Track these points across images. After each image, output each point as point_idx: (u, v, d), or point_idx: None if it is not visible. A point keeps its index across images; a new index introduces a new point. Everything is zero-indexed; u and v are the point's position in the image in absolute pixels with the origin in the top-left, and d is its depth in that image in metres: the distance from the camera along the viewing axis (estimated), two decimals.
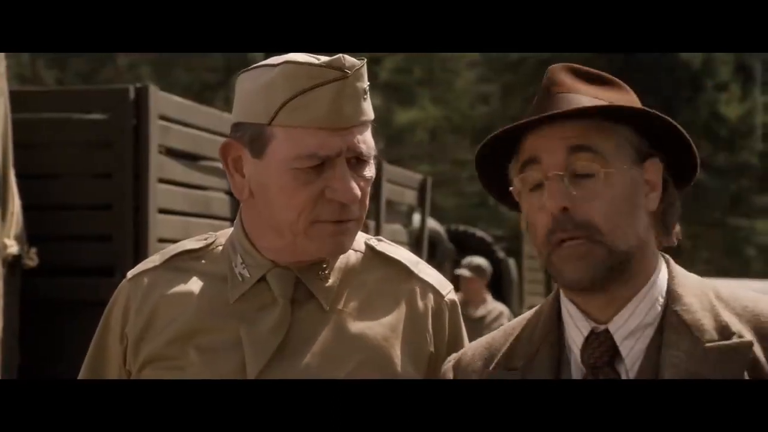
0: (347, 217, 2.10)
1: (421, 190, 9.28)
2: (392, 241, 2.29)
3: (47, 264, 5.46)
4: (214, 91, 27.26)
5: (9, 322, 5.31)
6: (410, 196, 9.15)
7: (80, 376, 2.27)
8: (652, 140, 1.90)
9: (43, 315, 5.54)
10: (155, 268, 2.22)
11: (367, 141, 2.11)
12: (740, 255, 27.83)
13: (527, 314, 2.04)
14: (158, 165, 5.70)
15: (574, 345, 1.92)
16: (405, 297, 2.19)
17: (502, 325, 2.11)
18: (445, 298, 2.22)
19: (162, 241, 5.68)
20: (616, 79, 1.95)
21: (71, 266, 5.67)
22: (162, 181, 5.76)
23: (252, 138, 2.11)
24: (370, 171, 2.12)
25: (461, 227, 13.25)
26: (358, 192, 2.09)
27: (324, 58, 2.08)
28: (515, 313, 12.61)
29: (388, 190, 8.41)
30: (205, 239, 2.24)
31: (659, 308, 1.88)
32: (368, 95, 2.11)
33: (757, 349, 1.82)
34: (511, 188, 1.94)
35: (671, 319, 1.86)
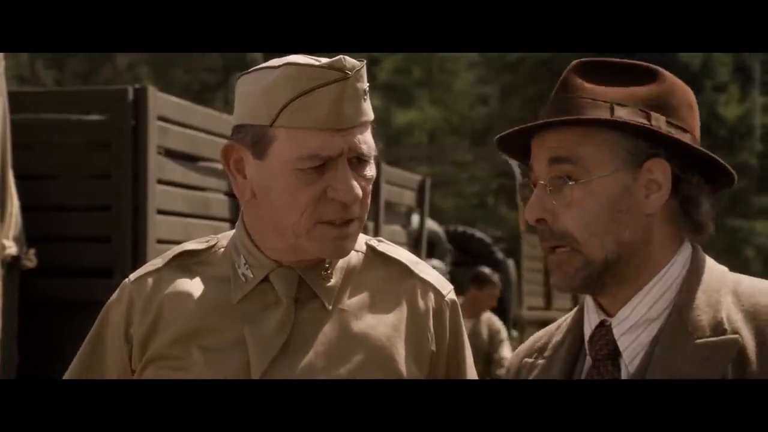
0: (349, 217, 2.11)
1: (420, 191, 9.28)
2: (391, 241, 2.30)
3: (46, 265, 5.46)
4: (212, 92, 27.28)
5: (8, 323, 5.31)
6: (409, 197, 9.15)
7: (68, 375, 2.27)
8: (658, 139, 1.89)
9: (42, 315, 5.54)
10: (158, 270, 2.22)
11: (367, 141, 2.12)
12: (739, 256, 27.86)
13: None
14: (157, 166, 5.70)
15: (586, 336, 1.94)
16: (406, 296, 2.20)
17: None
18: (446, 298, 2.23)
19: (161, 242, 5.68)
20: (647, 67, 1.93)
21: (70, 267, 5.67)
22: (161, 182, 5.76)
23: (254, 139, 2.12)
24: (371, 171, 2.14)
25: (460, 228, 13.26)
26: (360, 191, 2.10)
27: (325, 60, 2.09)
28: (514, 315, 12.62)
29: (386, 191, 8.41)
30: (207, 241, 2.25)
31: (667, 303, 1.89)
32: (368, 96, 2.13)
33: (750, 345, 1.81)
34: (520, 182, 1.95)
35: (673, 314, 1.87)
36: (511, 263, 12.57)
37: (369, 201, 2.16)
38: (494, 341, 9.12)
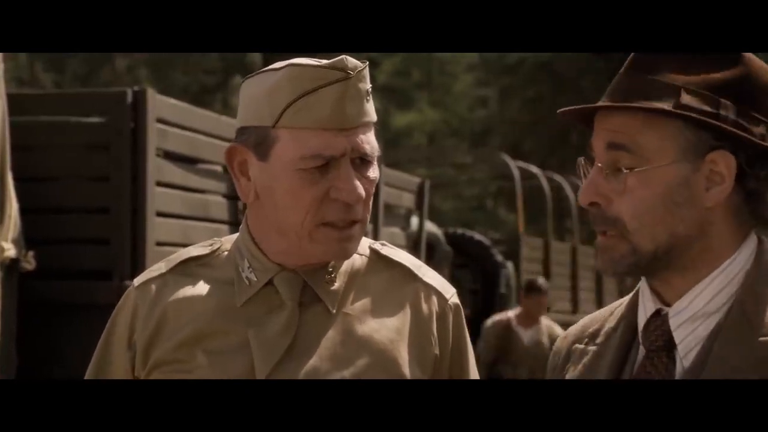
0: (352, 218, 2.11)
1: (419, 193, 9.28)
2: (390, 244, 2.30)
3: (45, 267, 5.46)
4: (212, 94, 27.29)
5: (7, 325, 5.30)
6: (408, 200, 9.15)
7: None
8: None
9: (41, 318, 5.53)
10: (162, 275, 2.22)
11: (370, 141, 2.12)
12: None
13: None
14: (156, 168, 5.70)
15: (640, 325, 1.88)
16: (409, 300, 2.20)
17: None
18: (449, 302, 2.23)
19: (160, 244, 5.68)
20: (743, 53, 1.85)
21: (69, 269, 5.66)
22: (160, 184, 5.75)
23: (257, 141, 2.12)
24: (374, 172, 2.14)
25: (459, 230, 13.27)
26: (363, 192, 2.10)
27: (327, 61, 2.10)
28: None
29: (386, 194, 8.41)
30: (211, 245, 2.25)
31: (727, 297, 1.82)
32: (371, 97, 2.13)
33: None
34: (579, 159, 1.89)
35: (735, 309, 1.80)
36: (510, 265, 12.57)
37: (371, 203, 2.15)
38: None
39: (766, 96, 1.83)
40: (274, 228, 2.14)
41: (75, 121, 5.74)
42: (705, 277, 1.83)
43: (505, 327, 9.71)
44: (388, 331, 2.15)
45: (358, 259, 2.21)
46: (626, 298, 1.96)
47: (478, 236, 13.05)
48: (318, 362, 2.11)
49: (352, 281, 2.18)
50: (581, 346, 1.95)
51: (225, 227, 6.13)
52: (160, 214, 5.74)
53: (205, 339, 2.14)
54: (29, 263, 5.41)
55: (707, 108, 1.80)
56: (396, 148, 24.75)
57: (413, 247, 8.94)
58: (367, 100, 2.12)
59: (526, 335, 9.77)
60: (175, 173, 5.92)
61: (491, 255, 12.59)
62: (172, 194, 5.89)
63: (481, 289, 12.42)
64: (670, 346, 1.84)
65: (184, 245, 2.33)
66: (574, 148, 25.46)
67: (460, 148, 26.64)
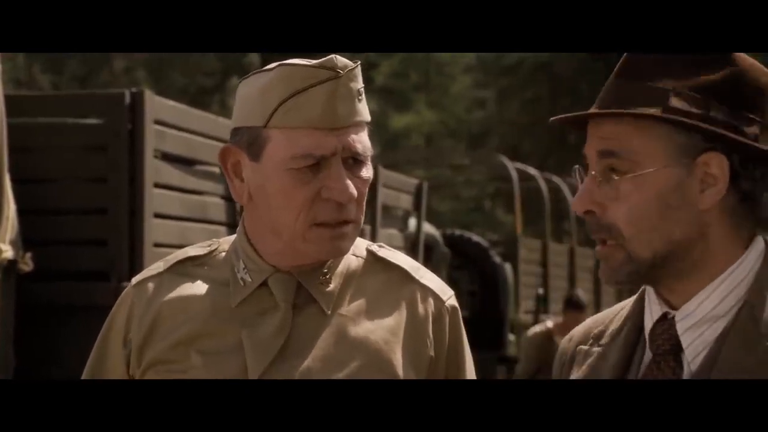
0: (345, 218, 2.11)
1: (417, 194, 9.28)
2: (388, 245, 2.29)
3: (42, 268, 5.46)
4: (210, 95, 27.29)
5: (4, 326, 5.30)
6: (406, 201, 9.15)
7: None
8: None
9: (39, 319, 5.53)
10: (159, 274, 2.23)
11: (362, 141, 2.12)
12: None
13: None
14: (154, 169, 5.70)
15: (647, 329, 1.87)
16: (405, 302, 2.19)
17: None
18: (446, 304, 2.23)
19: (157, 245, 5.68)
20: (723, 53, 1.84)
21: (66, 270, 5.66)
22: (157, 185, 5.75)
23: (249, 141, 2.13)
24: (367, 172, 2.14)
25: (457, 232, 13.26)
26: (354, 191, 2.10)
27: (317, 61, 2.10)
28: (511, 319, 12.62)
29: (383, 195, 8.41)
30: (209, 245, 2.25)
31: (735, 300, 1.80)
32: (363, 96, 2.13)
33: None
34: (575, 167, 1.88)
35: (745, 312, 1.79)
36: (507, 267, 12.57)
37: (364, 203, 2.15)
38: None
39: (758, 95, 1.82)
40: (267, 228, 2.15)
41: (73, 123, 5.74)
42: (711, 281, 1.82)
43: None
44: (383, 332, 2.15)
45: (354, 261, 2.21)
46: (631, 299, 1.95)
47: (476, 238, 13.05)
48: (311, 363, 2.11)
49: (348, 282, 2.18)
50: (585, 347, 1.94)
51: (223, 229, 6.13)
52: (157, 216, 5.74)
53: (200, 339, 2.14)
54: (27, 264, 5.41)
55: (696, 110, 1.79)
56: (394, 150, 24.75)
57: (411, 249, 8.94)
58: (359, 100, 2.11)
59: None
60: (173, 175, 5.92)
61: (489, 256, 12.59)
62: (170, 196, 5.89)
63: (479, 291, 12.42)
64: (677, 350, 1.83)
65: (182, 246, 2.33)
66: (572, 149, 25.47)
67: (458, 150, 26.64)
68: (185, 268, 2.22)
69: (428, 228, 10.24)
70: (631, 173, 1.80)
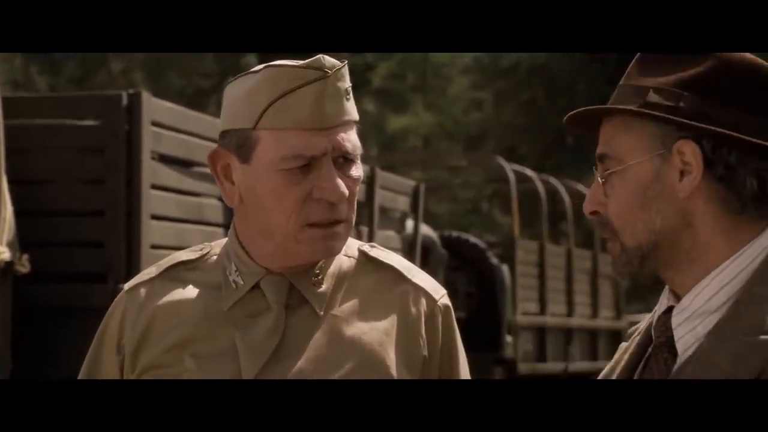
0: (336, 218, 2.12)
1: (414, 196, 9.28)
2: (385, 247, 2.30)
3: (39, 270, 5.46)
4: (207, 97, 27.28)
5: (1, 328, 5.30)
6: (403, 203, 9.15)
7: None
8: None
9: (35, 321, 5.53)
10: (151, 279, 2.23)
11: (352, 140, 2.13)
12: None
13: None
14: (151, 171, 5.70)
15: (654, 321, 1.92)
16: (398, 301, 2.20)
17: None
18: (438, 303, 2.23)
19: (154, 247, 5.68)
20: (710, 54, 1.88)
21: (63, 272, 5.67)
22: (154, 187, 5.76)
23: (239, 144, 2.13)
24: (357, 171, 2.14)
25: (454, 233, 13.25)
26: (346, 190, 2.10)
27: (304, 61, 2.11)
28: (508, 321, 12.61)
29: (380, 197, 8.41)
30: (201, 249, 2.25)
31: (727, 296, 1.84)
32: (351, 96, 2.14)
33: None
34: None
35: (731, 308, 1.82)
36: (505, 268, 12.56)
37: (355, 203, 2.16)
38: None
39: (742, 84, 1.86)
40: (259, 231, 2.15)
41: (70, 124, 5.75)
42: (706, 275, 1.85)
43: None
44: (376, 332, 2.15)
45: (346, 261, 2.21)
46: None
47: (473, 239, 13.04)
48: (305, 364, 2.11)
49: (340, 283, 2.19)
50: (627, 342, 2.01)
51: (219, 230, 6.13)
52: (154, 217, 5.74)
53: (193, 343, 2.14)
54: (24, 266, 5.41)
55: (668, 103, 1.86)
56: (391, 151, 24.74)
57: (408, 250, 8.94)
58: (347, 99, 2.12)
59: None
60: (170, 176, 5.93)
61: (486, 258, 12.58)
62: (167, 197, 5.89)
63: (477, 292, 12.41)
64: (671, 342, 1.87)
65: (179, 248, 2.34)
66: (569, 151, 25.48)
67: (455, 151, 26.62)
68: (177, 273, 2.22)
69: (425, 229, 10.24)
70: (616, 168, 1.88)
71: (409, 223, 9.32)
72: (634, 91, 1.89)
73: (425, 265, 9.40)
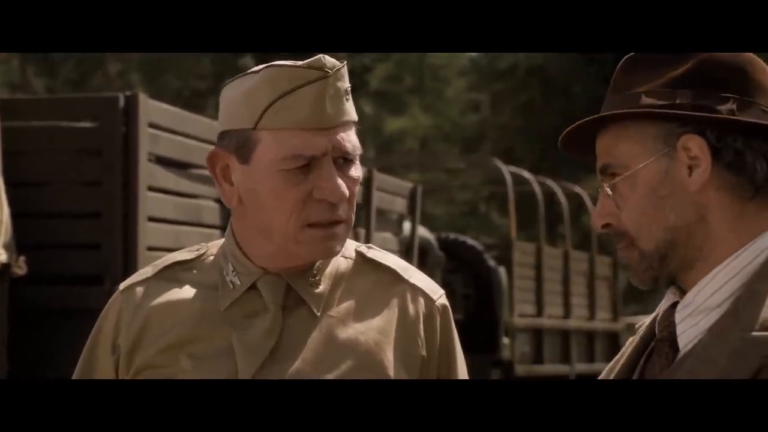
0: (336, 218, 2.12)
1: (412, 198, 9.28)
2: (383, 249, 2.30)
3: (36, 272, 5.45)
4: (204, 98, 27.28)
5: None
6: (400, 205, 9.15)
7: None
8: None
9: (32, 323, 5.52)
10: (147, 279, 2.22)
11: (351, 140, 2.13)
12: None
13: None
14: (147, 173, 5.70)
15: (658, 316, 1.93)
16: (396, 302, 2.20)
17: None
18: (436, 303, 2.23)
19: (151, 249, 5.67)
20: (696, 53, 1.89)
21: (60, 274, 5.66)
22: (151, 189, 5.75)
23: (238, 144, 2.13)
24: (356, 171, 2.14)
25: (452, 235, 13.25)
26: (346, 191, 2.11)
27: (305, 61, 2.11)
28: (505, 322, 12.61)
29: (378, 199, 8.41)
30: (197, 250, 2.25)
31: (729, 292, 1.84)
32: (350, 96, 2.14)
33: None
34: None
35: (732, 305, 1.83)
36: (502, 270, 12.56)
37: (355, 203, 2.16)
38: None
39: (730, 73, 1.87)
40: (258, 231, 2.14)
41: (67, 126, 5.74)
42: (712, 269, 1.86)
43: None
44: (373, 333, 2.15)
45: (343, 262, 2.21)
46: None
47: (470, 241, 13.03)
48: (302, 365, 2.11)
49: (338, 284, 2.18)
50: (633, 336, 2.02)
51: (217, 232, 6.13)
52: (151, 219, 5.74)
53: (189, 343, 2.14)
54: (20, 268, 5.40)
55: (664, 102, 1.87)
56: (388, 153, 24.75)
57: (405, 252, 8.94)
58: (347, 99, 2.12)
59: None
60: (167, 178, 5.92)
61: (483, 260, 12.58)
62: (164, 199, 5.89)
63: (474, 294, 12.41)
64: (673, 336, 1.88)
65: (176, 250, 2.33)
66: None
67: (453, 153, 26.63)
68: (173, 273, 2.21)
69: (423, 232, 10.24)
70: (623, 175, 1.88)
71: (407, 225, 9.31)
72: (624, 99, 1.89)
73: (422, 266, 9.39)
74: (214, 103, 26.92)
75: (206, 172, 6.08)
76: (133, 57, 26.98)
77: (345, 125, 2.12)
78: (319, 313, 2.15)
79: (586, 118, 1.91)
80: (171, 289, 2.19)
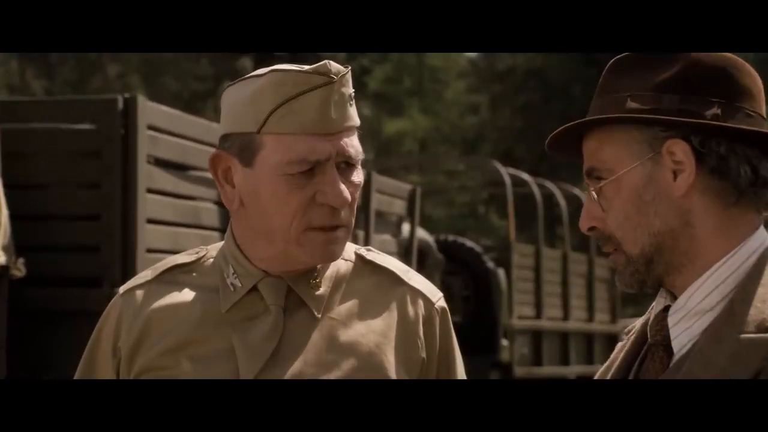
0: (338, 222, 2.12)
1: (411, 200, 9.28)
2: (382, 251, 2.30)
3: (35, 274, 5.45)
4: (203, 100, 27.29)
5: None
6: (399, 206, 9.15)
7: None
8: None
9: (31, 325, 5.52)
10: (147, 282, 2.22)
11: (354, 145, 2.14)
12: None
13: None
14: (147, 175, 5.70)
15: (650, 320, 1.94)
16: (395, 304, 2.20)
17: None
18: (436, 305, 2.23)
19: (150, 251, 5.67)
20: (684, 53, 1.90)
21: (59, 277, 5.66)
22: (150, 191, 5.75)
23: (241, 147, 2.13)
24: (358, 176, 2.15)
25: (451, 237, 13.25)
26: (349, 195, 2.11)
27: (310, 66, 2.11)
28: (504, 324, 12.62)
29: (377, 201, 8.41)
30: (197, 253, 2.25)
31: (722, 295, 1.85)
32: (354, 101, 2.14)
33: None
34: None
35: (727, 307, 1.83)
36: (501, 272, 12.57)
37: (355, 208, 2.17)
38: None
39: (715, 78, 1.88)
40: (259, 234, 2.15)
41: (66, 128, 5.74)
42: (704, 273, 1.86)
43: None
44: (373, 335, 2.16)
45: (343, 264, 2.21)
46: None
47: (469, 243, 13.03)
48: (303, 367, 2.11)
49: (338, 286, 2.19)
50: (624, 338, 2.02)
51: (216, 234, 6.13)
52: (150, 221, 5.73)
53: (190, 346, 2.14)
54: (19, 270, 5.40)
55: (648, 106, 1.87)
56: (387, 155, 24.76)
57: (404, 254, 8.94)
58: (351, 105, 2.13)
59: None
60: (166, 180, 5.92)
61: (482, 262, 12.58)
62: (163, 201, 5.89)
63: (473, 296, 12.41)
64: (667, 341, 1.88)
65: (175, 252, 2.34)
66: None
67: (452, 155, 26.66)
68: (173, 276, 2.22)
69: (422, 233, 10.24)
70: (608, 179, 1.89)
71: (406, 227, 9.31)
72: (611, 102, 1.89)
73: (421, 269, 9.39)
74: (213, 105, 26.95)
75: (205, 174, 6.11)
76: (131, 59, 26.99)
77: (348, 130, 2.13)
78: (319, 315, 2.15)
79: (571, 123, 1.91)
80: (171, 292, 2.20)
